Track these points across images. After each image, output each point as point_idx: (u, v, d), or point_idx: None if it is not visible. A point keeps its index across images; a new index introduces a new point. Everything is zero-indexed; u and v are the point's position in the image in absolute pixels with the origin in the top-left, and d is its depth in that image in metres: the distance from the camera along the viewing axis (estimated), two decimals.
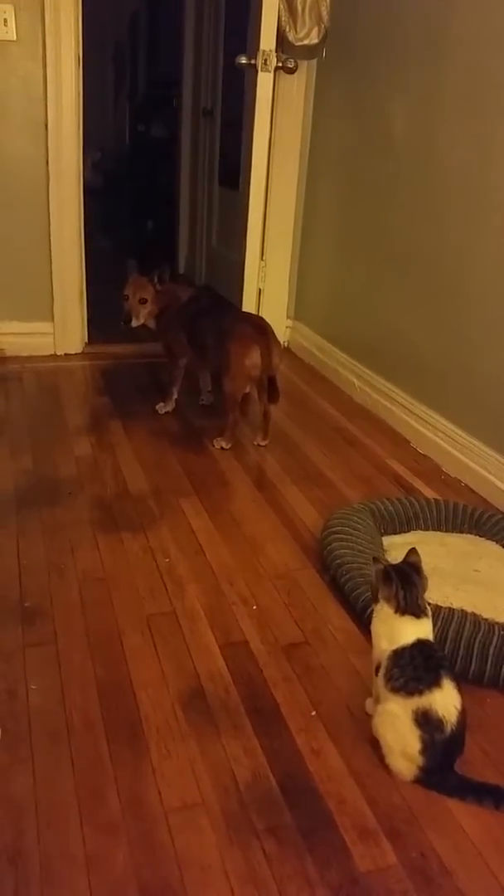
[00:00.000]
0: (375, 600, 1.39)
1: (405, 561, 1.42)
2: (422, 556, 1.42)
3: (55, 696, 1.46)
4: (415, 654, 1.32)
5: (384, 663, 1.34)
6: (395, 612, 1.35)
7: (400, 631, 1.34)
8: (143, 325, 2.76)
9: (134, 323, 2.70)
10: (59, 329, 3.31)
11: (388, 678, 1.32)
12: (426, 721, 1.27)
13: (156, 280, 2.68)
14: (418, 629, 1.35)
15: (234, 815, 1.24)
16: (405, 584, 1.36)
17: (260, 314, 3.16)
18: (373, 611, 1.42)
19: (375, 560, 1.44)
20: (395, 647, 1.33)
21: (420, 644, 1.33)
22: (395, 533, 2.04)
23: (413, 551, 1.43)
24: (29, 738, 1.36)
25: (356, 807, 1.27)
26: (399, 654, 1.32)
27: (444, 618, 1.58)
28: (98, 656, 1.57)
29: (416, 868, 1.18)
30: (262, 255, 3.37)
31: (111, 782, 1.28)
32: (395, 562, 1.43)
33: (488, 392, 2.33)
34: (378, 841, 1.21)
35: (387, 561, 1.43)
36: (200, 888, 1.13)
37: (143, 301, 2.68)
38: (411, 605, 1.35)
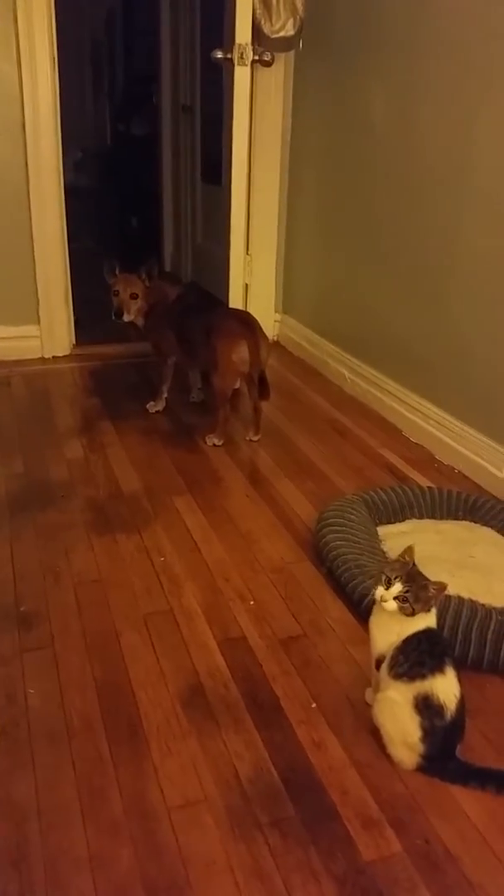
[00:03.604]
0: (413, 614, 1.31)
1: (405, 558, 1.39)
2: (417, 544, 1.41)
3: (54, 698, 1.45)
4: (421, 640, 1.31)
5: (390, 653, 1.33)
6: (414, 613, 1.33)
7: (413, 624, 1.32)
8: (132, 324, 2.76)
9: (125, 318, 2.69)
10: (45, 332, 3.29)
11: (393, 665, 1.31)
12: (426, 707, 1.27)
13: (144, 276, 2.68)
14: (426, 620, 1.34)
15: (237, 809, 1.24)
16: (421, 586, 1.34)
17: (247, 309, 3.15)
18: (372, 603, 1.40)
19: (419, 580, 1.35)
20: (404, 637, 1.32)
21: (427, 631, 1.33)
22: (389, 522, 2.04)
23: (409, 550, 1.39)
24: (29, 741, 1.35)
25: (359, 797, 1.27)
26: (407, 642, 1.31)
27: (441, 605, 1.57)
28: (96, 657, 1.57)
29: (421, 855, 1.18)
30: (248, 249, 3.36)
31: (113, 782, 1.28)
32: (390, 553, 1.43)
33: (478, 378, 2.33)
34: (382, 830, 1.22)
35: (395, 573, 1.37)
36: (206, 884, 1.13)
37: (134, 296, 2.68)
38: (427, 605, 1.33)
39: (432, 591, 1.31)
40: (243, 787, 1.28)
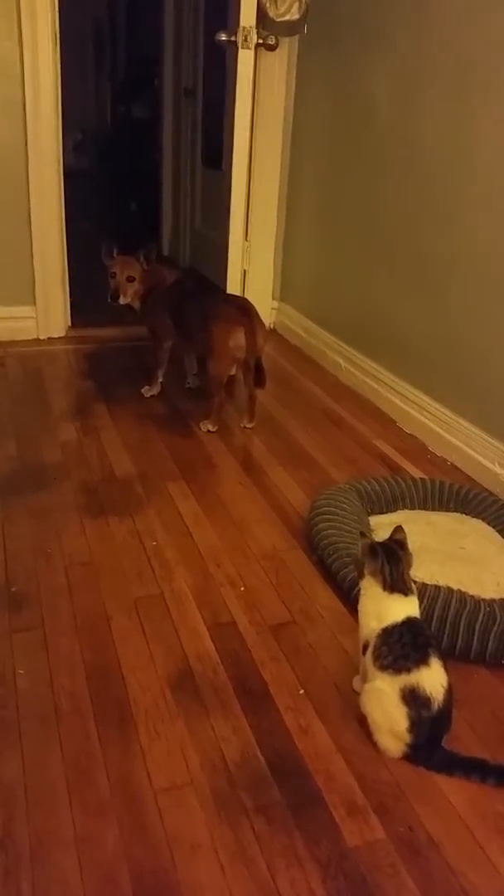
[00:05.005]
0: (361, 576, 1.40)
1: (391, 538, 1.42)
2: (408, 535, 1.43)
3: (43, 680, 1.46)
4: (403, 632, 1.32)
5: (373, 642, 1.34)
6: (384, 589, 1.36)
7: (389, 609, 1.35)
8: (129, 307, 2.74)
9: (122, 300, 2.68)
10: (41, 313, 3.27)
11: (377, 656, 1.32)
12: (413, 699, 1.28)
13: (142, 259, 2.66)
14: (407, 607, 1.36)
15: (223, 794, 1.25)
16: (391, 560, 1.36)
17: (245, 296, 3.14)
18: (360, 590, 1.42)
19: (362, 535, 1.44)
20: (384, 625, 1.34)
21: (409, 622, 1.34)
22: (381, 512, 2.05)
23: (399, 529, 1.43)
24: (17, 722, 1.36)
25: (344, 783, 1.28)
26: (388, 633, 1.33)
27: (431, 595, 1.58)
28: (86, 640, 1.57)
29: (404, 842, 1.19)
30: (247, 236, 3.35)
31: (100, 764, 1.29)
32: (381, 540, 1.44)
33: (473, 371, 2.33)
34: (366, 816, 1.23)
35: (372, 537, 1.44)
36: (190, 867, 1.13)
37: (130, 279, 2.66)
38: (398, 582, 1.36)
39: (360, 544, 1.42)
40: (230, 771, 1.29)
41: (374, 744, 1.34)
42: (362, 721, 1.37)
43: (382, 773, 1.30)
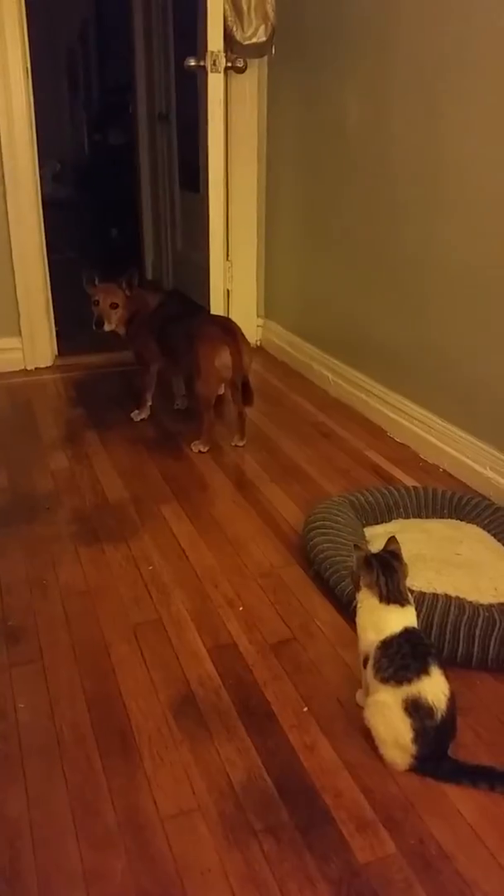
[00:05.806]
0: (358, 589, 1.40)
1: (385, 549, 1.42)
2: (404, 544, 1.43)
3: (44, 712, 1.45)
4: (402, 643, 1.32)
5: (373, 654, 1.34)
6: (380, 600, 1.35)
7: (386, 620, 1.35)
8: (114, 333, 2.76)
9: (106, 327, 2.69)
10: (27, 343, 3.28)
11: (377, 669, 1.32)
12: (416, 709, 1.27)
13: (125, 285, 2.68)
14: (404, 617, 1.35)
15: (231, 817, 1.24)
16: (386, 571, 1.36)
17: (229, 315, 3.15)
18: (357, 603, 1.42)
19: (356, 547, 1.44)
20: (382, 637, 1.33)
21: (407, 632, 1.34)
22: (376, 523, 2.05)
23: (392, 539, 1.43)
24: (20, 757, 1.35)
25: (352, 799, 1.27)
26: (387, 644, 1.32)
27: (429, 603, 1.58)
28: (85, 670, 1.56)
29: (416, 855, 1.18)
30: (227, 255, 3.37)
31: (105, 795, 1.28)
32: (376, 551, 1.43)
33: (459, 377, 2.34)
34: (376, 831, 1.22)
35: (367, 549, 1.44)
36: (201, 893, 1.12)
37: (114, 306, 2.68)
38: (394, 593, 1.36)
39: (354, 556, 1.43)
40: (237, 793, 1.28)
41: (380, 757, 1.34)
42: (367, 735, 1.36)
43: (390, 787, 1.30)
